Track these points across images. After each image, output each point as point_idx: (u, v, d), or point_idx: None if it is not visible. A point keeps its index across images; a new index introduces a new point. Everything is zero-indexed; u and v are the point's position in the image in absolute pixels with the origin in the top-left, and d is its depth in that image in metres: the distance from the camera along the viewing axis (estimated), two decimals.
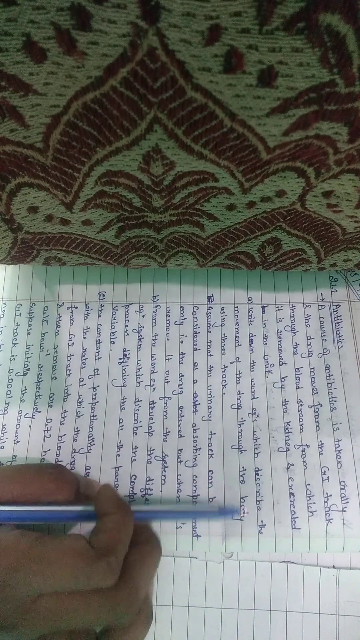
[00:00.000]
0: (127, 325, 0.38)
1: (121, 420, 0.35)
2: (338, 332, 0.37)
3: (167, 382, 0.36)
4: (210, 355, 0.37)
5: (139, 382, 0.36)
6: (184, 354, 0.37)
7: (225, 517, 0.33)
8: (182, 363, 0.37)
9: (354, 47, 0.15)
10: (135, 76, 0.16)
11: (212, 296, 0.38)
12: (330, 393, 0.35)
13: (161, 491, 0.33)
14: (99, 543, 0.28)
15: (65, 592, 0.25)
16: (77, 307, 0.38)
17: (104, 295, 0.39)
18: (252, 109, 0.18)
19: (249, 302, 0.38)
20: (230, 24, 0.14)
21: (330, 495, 0.33)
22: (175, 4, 0.14)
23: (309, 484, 0.33)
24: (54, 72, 0.16)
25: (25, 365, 0.37)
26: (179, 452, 0.34)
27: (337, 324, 0.37)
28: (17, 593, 0.25)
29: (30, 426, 0.35)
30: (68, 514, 0.30)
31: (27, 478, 0.31)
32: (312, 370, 0.36)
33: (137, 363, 0.37)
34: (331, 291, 0.38)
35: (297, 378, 0.36)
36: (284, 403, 0.35)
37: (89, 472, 0.34)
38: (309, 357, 0.36)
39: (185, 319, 0.38)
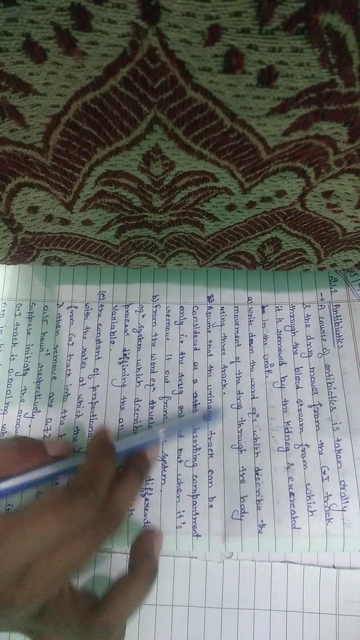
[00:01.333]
0: (127, 325, 0.38)
1: (121, 420, 0.35)
2: (338, 332, 0.37)
3: (167, 381, 0.36)
4: (210, 355, 0.37)
5: (138, 382, 0.36)
6: (184, 353, 0.37)
7: (210, 421, 0.34)
8: (182, 363, 0.37)
9: (354, 47, 0.15)
10: (135, 76, 0.16)
11: (212, 296, 0.38)
12: (330, 393, 0.35)
13: (161, 491, 0.33)
14: (77, 481, 0.28)
15: (54, 541, 0.25)
16: (77, 307, 0.38)
17: (103, 295, 0.39)
18: (252, 109, 0.18)
19: (249, 302, 0.38)
20: (230, 24, 0.14)
21: (330, 495, 0.33)
22: (175, 4, 0.14)
23: (308, 484, 0.33)
24: (54, 72, 0.16)
25: (25, 365, 0.37)
26: (179, 451, 0.34)
27: (336, 324, 0.37)
28: (6, 566, 0.24)
29: (30, 426, 0.35)
30: (39, 478, 0.31)
31: (25, 448, 0.32)
32: (312, 370, 0.36)
33: (137, 363, 0.37)
34: (331, 291, 0.38)
35: (297, 378, 0.36)
36: (283, 403, 0.35)
37: None
38: (308, 357, 0.37)
39: (185, 318, 0.38)
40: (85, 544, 0.26)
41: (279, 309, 0.38)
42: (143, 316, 0.38)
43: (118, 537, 0.32)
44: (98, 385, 0.36)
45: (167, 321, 0.38)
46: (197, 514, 0.33)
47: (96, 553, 0.27)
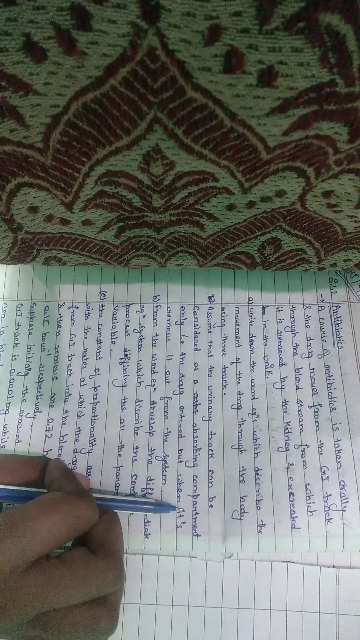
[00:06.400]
0: (127, 325, 0.38)
1: (122, 420, 0.35)
2: (338, 333, 0.37)
3: (168, 382, 0.36)
4: (211, 355, 0.37)
5: (139, 382, 0.36)
6: (185, 354, 0.37)
7: (162, 512, 0.33)
8: (182, 363, 0.37)
9: (354, 47, 0.15)
10: (135, 76, 0.16)
11: (213, 296, 0.38)
12: (330, 393, 0.35)
13: (162, 491, 0.33)
14: (70, 487, 0.29)
15: (58, 544, 0.25)
16: (78, 307, 0.38)
17: (104, 295, 0.39)
18: (252, 108, 0.18)
19: (250, 302, 0.38)
20: (230, 24, 0.14)
21: (330, 495, 0.33)
22: (175, 4, 0.14)
23: (308, 484, 0.33)
24: (54, 72, 0.16)
25: (27, 365, 0.37)
26: (180, 452, 0.34)
27: (336, 325, 0.37)
28: (4, 569, 0.24)
29: (31, 426, 0.35)
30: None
31: (14, 467, 0.31)
32: (312, 370, 0.36)
33: (138, 363, 0.37)
34: (331, 292, 0.38)
35: (297, 378, 0.36)
36: (283, 403, 0.35)
37: (90, 472, 0.34)
38: (308, 357, 0.37)
39: (185, 319, 0.38)
40: (86, 580, 0.26)
41: (279, 310, 0.38)
42: (144, 316, 0.38)
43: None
44: (99, 386, 0.36)
45: (168, 321, 0.38)
46: (197, 513, 0.33)
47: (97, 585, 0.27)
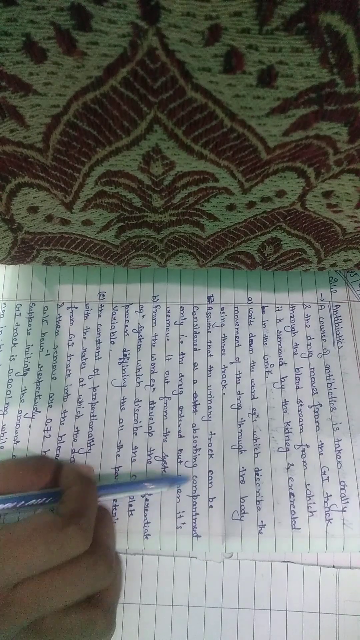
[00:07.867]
0: (127, 326, 0.38)
1: (121, 421, 0.35)
2: (338, 333, 0.37)
3: (167, 382, 0.36)
4: (210, 355, 0.37)
5: (138, 382, 0.36)
6: (184, 354, 0.37)
7: (178, 485, 0.33)
8: (182, 363, 0.37)
9: (354, 47, 0.15)
10: (135, 76, 0.16)
11: (212, 296, 0.38)
12: (330, 393, 0.35)
13: (161, 491, 0.33)
14: (66, 510, 0.28)
15: (42, 569, 0.25)
16: (77, 307, 0.38)
17: (104, 295, 0.39)
18: (252, 109, 0.18)
19: (249, 302, 0.38)
20: (230, 24, 0.14)
21: (330, 495, 0.33)
22: (175, 4, 0.14)
23: (308, 484, 0.33)
24: (54, 72, 0.16)
25: (25, 366, 0.37)
26: (179, 452, 0.34)
27: (336, 324, 0.37)
28: None
29: (30, 426, 0.35)
30: (40, 498, 0.30)
31: (8, 473, 0.31)
32: (312, 370, 0.36)
33: (137, 363, 0.37)
34: (331, 291, 0.38)
35: (297, 378, 0.36)
36: (283, 403, 0.35)
37: None
38: (308, 357, 0.37)
39: (185, 319, 0.38)
40: (76, 578, 0.26)
41: (279, 310, 0.38)
42: (143, 316, 0.38)
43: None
44: (98, 386, 0.36)
45: (167, 321, 0.38)
46: (197, 514, 0.33)
47: (86, 593, 0.27)
